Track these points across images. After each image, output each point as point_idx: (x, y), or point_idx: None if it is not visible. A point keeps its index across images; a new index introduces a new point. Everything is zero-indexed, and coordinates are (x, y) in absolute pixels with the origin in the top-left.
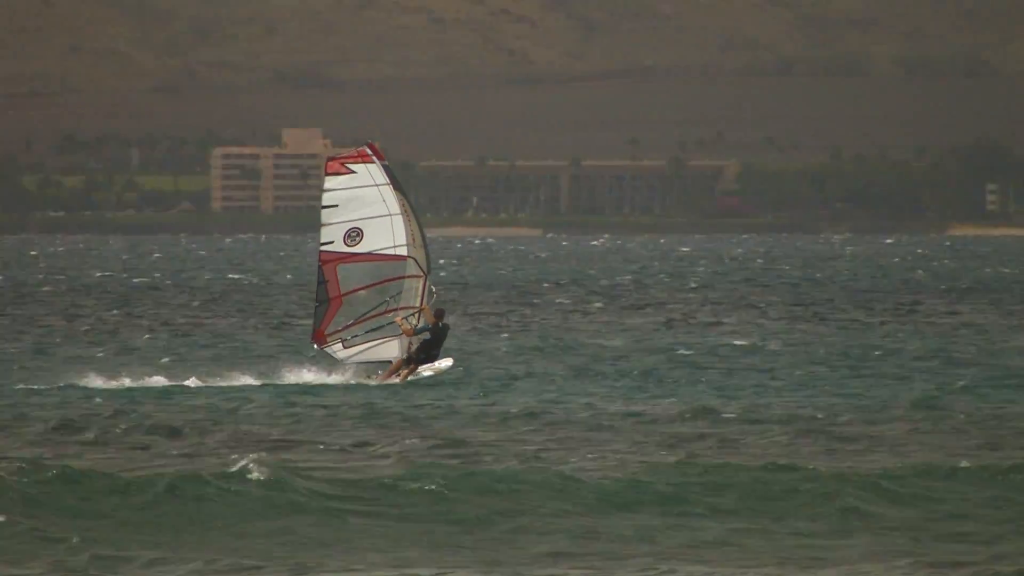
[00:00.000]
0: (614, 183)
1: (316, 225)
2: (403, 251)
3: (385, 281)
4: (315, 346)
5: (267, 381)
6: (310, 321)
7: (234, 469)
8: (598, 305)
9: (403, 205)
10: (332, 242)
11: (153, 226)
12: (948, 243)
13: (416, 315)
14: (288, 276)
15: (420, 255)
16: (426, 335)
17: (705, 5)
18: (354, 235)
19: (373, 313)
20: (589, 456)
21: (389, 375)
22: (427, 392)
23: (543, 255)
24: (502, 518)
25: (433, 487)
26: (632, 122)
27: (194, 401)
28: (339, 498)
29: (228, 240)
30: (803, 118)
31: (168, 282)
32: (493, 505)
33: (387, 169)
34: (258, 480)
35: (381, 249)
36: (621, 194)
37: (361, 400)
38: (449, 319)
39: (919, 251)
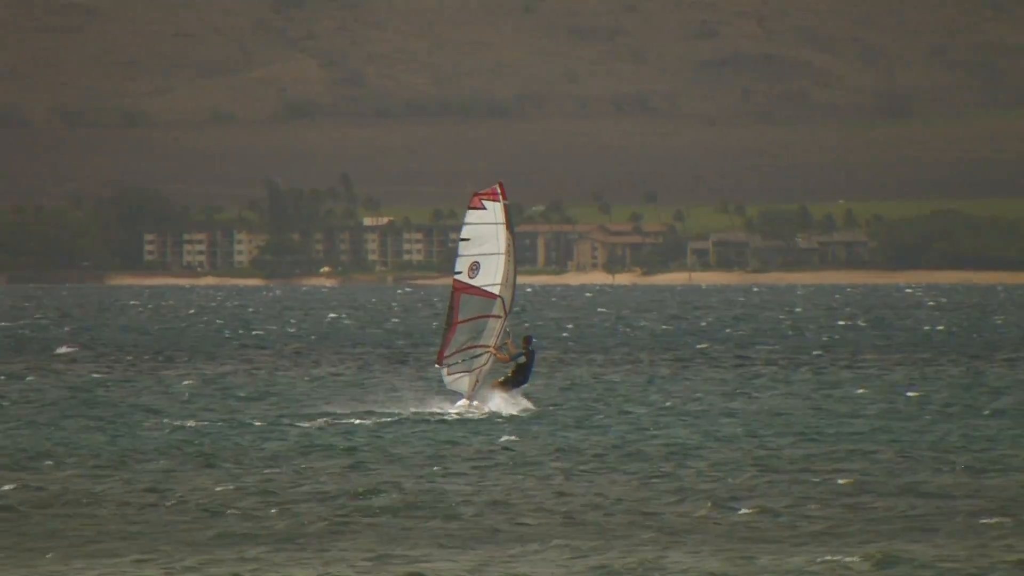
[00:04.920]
0: None
1: None
2: (496, 289)
3: (480, 317)
4: (437, 365)
5: None
6: None
7: None
8: None
9: (508, 245)
10: (461, 272)
11: None
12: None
13: (501, 348)
14: None
15: (507, 295)
16: (522, 359)
17: None
18: (475, 268)
19: (467, 345)
20: None
21: (495, 387)
22: None
23: None
24: None
25: None
26: None
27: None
28: None
29: None
30: None
31: None
32: None
33: (506, 208)
34: None
35: (487, 285)
36: None
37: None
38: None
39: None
